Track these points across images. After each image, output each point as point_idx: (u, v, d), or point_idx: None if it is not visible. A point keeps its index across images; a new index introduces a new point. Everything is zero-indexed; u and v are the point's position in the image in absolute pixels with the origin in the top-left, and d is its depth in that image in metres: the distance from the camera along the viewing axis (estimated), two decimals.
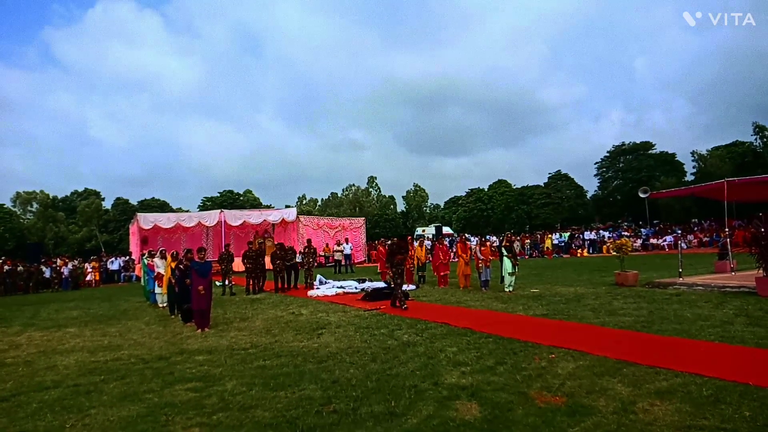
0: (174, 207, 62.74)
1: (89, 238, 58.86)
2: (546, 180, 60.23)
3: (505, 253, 12.89)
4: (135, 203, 62.30)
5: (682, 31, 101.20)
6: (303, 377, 5.43)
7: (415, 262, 16.33)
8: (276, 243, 19.46)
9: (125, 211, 59.13)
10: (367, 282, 15.74)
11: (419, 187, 75.44)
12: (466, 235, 19.96)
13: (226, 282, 15.60)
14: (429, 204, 76.26)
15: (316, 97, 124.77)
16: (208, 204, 61.88)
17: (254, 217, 29.34)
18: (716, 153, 46.05)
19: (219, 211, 28.64)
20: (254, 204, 62.86)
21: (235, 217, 28.30)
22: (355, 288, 14.71)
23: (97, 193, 63.76)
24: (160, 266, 12.92)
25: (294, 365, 6.01)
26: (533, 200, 57.90)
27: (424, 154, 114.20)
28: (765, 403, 3.92)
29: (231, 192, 66.46)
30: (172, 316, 11.18)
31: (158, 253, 13.73)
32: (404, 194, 75.48)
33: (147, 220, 26.77)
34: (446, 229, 50.56)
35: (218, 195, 65.30)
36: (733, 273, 13.51)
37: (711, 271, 14.93)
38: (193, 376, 5.80)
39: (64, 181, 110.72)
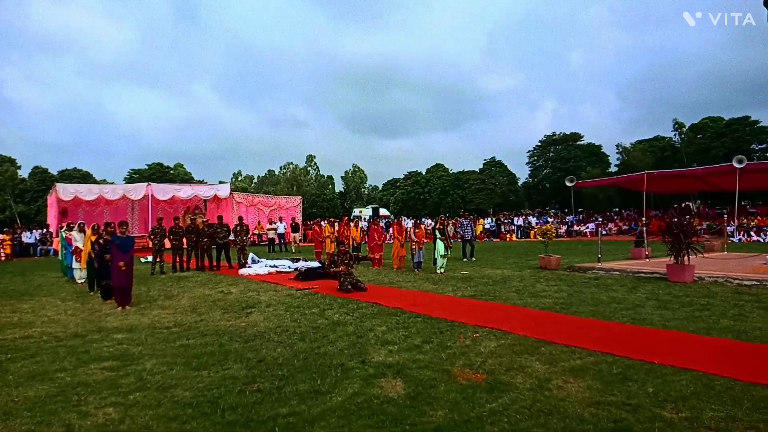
0: (98, 179, 59.13)
1: (2, 209, 54.46)
2: (481, 166, 61.86)
3: (438, 235, 13.14)
4: (55, 173, 58.03)
5: (614, 27, 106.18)
6: (227, 356, 5.31)
7: (350, 242, 16.39)
8: (206, 220, 18.79)
9: (44, 180, 54.96)
10: (301, 261, 15.60)
11: (358, 167, 75.35)
12: (402, 217, 20.16)
13: (158, 259, 14.77)
14: (367, 185, 76.36)
15: (257, 71, 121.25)
16: (135, 177, 58.73)
17: (184, 191, 28.11)
18: (639, 146, 48.88)
19: (146, 184, 27.21)
20: (185, 179, 60.27)
21: (164, 191, 27.00)
22: (289, 267, 14.54)
23: (12, 160, 58.71)
24: (79, 240, 12.17)
25: (219, 344, 5.86)
26: (468, 185, 59.32)
27: (365, 134, 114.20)
28: (667, 380, 4.24)
29: (160, 165, 63.39)
30: (91, 293, 10.59)
31: (77, 226, 12.90)
32: (343, 174, 75.21)
33: (67, 191, 25.03)
34: (383, 211, 50.98)
35: (146, 168, 62.10)
36: (647, 259, 14.49)
37: (628, 257, 15.94)
38: (110, 354, 5.54)
39: None
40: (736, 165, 21.50)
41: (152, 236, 15.01)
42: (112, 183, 49.51)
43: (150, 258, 15.43)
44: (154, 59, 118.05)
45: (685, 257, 10.47)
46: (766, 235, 27.15)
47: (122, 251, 8.85)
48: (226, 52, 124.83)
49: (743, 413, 3.49)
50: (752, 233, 28.16)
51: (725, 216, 23.91)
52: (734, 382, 4.13)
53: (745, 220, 29.72)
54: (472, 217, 25.19)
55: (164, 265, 14.82)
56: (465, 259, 17.00)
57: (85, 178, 56.36)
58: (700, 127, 44.53)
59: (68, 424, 3.64)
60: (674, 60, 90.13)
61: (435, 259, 13.28)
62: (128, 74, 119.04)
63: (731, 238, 25.82)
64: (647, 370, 4.52)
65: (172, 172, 63.42)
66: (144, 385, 4.44)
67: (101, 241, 9.90)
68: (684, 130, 46.39)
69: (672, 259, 10.70)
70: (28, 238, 27.33)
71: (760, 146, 41.23)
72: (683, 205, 40.02)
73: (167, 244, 15.19)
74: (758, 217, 30.02)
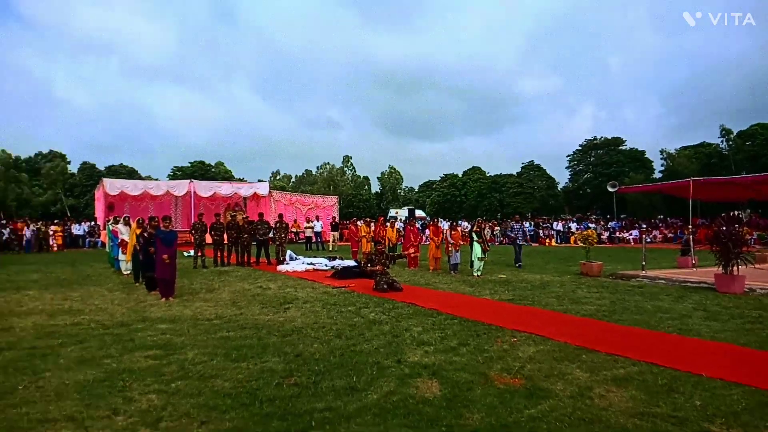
0: (143, 175, 61.23)
1: (54, 202, 57.02)
2: (519, 170, 60.92)
3: (475, 238, 13.01)
4: (102, 169, 60.48)
5: (654, 32, 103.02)
6: (266, 350, 5.40)
7: (386, 242, 16.40)
8: (246, 216, 19.15)
9: (92, 176, 57.36)
10: (337, 260, 15.72)
11: (394, 169, 75.39)
12: (439, 219, 20.00)
13: (199, 253, 15.20)
14: (403, 186, 76.36)
15: (293, 73, 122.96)
16: (178, 174, 60.54)
17: (225, 188, 28.82)
18: (684, 153, 47.22)
19: (189, 180, 28.02)
20: (226, 177, 61.72)
21: (206, 188, 27.75)
22: (325, 265, 14.68)
23: (62, 156, 61.49)
24: (124, 233, 12.63)
25: (258, 338, 5.97)
26: (506, 188, 58.53)
27: (400, 136, 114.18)
28: (715, 394, 4.05)
29: (202, 163, 65.15)
30: (136, 284, 10.96)
31: (122, 220, 13.39)
32: (379, 175, 75.41)
33: (114, 186, 26.03)
34: (419, 212, 50.85)
35: (189, 165, 63.92)
36: (694, 269, 13.94)
37: (673, 265, 15.37)
38: (153, 343, 5.71)
39: (26, 143, 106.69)
40: None
41: (193, 231, 15.44)
42: (156, 179, 51.12)
43: (192, 252, 15.86)
44: (193, 60, 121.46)
45: (735, 267, 10.01)
46: None
47: (166, 245, 9.12)
48: (262, 54, 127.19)
49: None
50: None
51: None
52: None
53: None
54: (522, 221, 23.81)
55: (206, 259, 15.22)
56: (518, 265, 15.37)
57: (130, 174, 58.46)
58: (750, 133, 42.67)
59: (114, 408, 3.77)
60: (717, 65, 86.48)
61: (472, 262, 13.15)
62: (169, 75, 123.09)
63: None
64: (695, 383, 4.33)
65: (213, 170, 65.07)
66: (186, 374, 4.56)
67: (146, 234, 10.23)
68: (732, 136, 44.58)
69: (720, 268, 10.26)
70: (77, 230, 28.55)
71: None
72: (732, 213, 38.41)
73: (208, 239, 15.59)
74: None
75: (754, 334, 6.30)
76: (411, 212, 45.35)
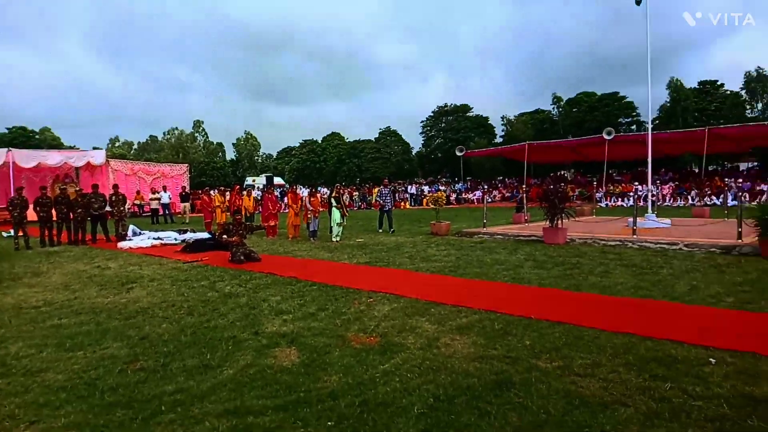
0: None
1: None
2: (377, 135, 62.30)
3: (334, 204, 13.13)
4: None
5: (501, 3, 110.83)
6: (106, 335, 4.93)
7: (243, 212, 15.82)
8: (79, 189, 17.05)
9: None
10: (188, 233, 14.82)
11: (251, 135, 72.36)
12: (297, 186, 19.80)
13: (20, 233, 13.18)
14: (261, 153, 73.81)
15: (134, 29, 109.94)
16: None
17: (52, 158, 25.29)
18: (521, 119, 51.92)
19: (6, 150, 24.05)
20: (53, 145, 54.10)
21: (28, 158, 24.04)
22: (175, 239, 13.76)
23: None
24: None
25: (96, 323, 5.42)
26: (364, 154, 59.58)
27: (257, 100, 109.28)
28: (543, 334, 4.61)
29: (24, 129, 56.25)
30: None
31: None
32: (234, 142, 71.91)
33: None
34: (278, 180, 49.82)
35: (6, 131, 54.82)
36: (527, 224, 15.62)
37: (510, 222, 17.06)
38: None
39: None
40: (605, 137, 23.67)
41: (11, 208, 13.37)
42: None
43: (12, 232, 13.78)
44: (4, 7, 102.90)
45: (559, 221, 11.42)
46: (628, 200, 30.42)
47: None
48: (95, 5, 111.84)
49: (607, 359, 3.91)
50: (617, 199, 31.39)
51: (594, 183, 26.39)
52: (600, 332, 4.60)
53: (611, 187, 33.00)
54: (392, 185, 23.48)
55: (29, 239, 13.32)
56: (381, 230, 15.39)
57: None
58: (576, 101, 48.13)
59: None
60: (554, 37, 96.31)
61: (331, 228, 13.27)
62: None
63: (599, 204, 28.64)
64: (525, 325, 4.89)
65: (37, 137, 56.65)
66: (8, 371, 4.00)
67: None
68: (562, 103, 49.98)
69: (548, 222, 11.62)
70: None
71: (626, 120, 45.67)
72: (559, 174, 43.63)
73: (32, 215, 13.62)
74: (623, 184, 33.44)
75: (573, 278, 7.28)
76: (269, 180, 44.23)
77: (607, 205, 30.44)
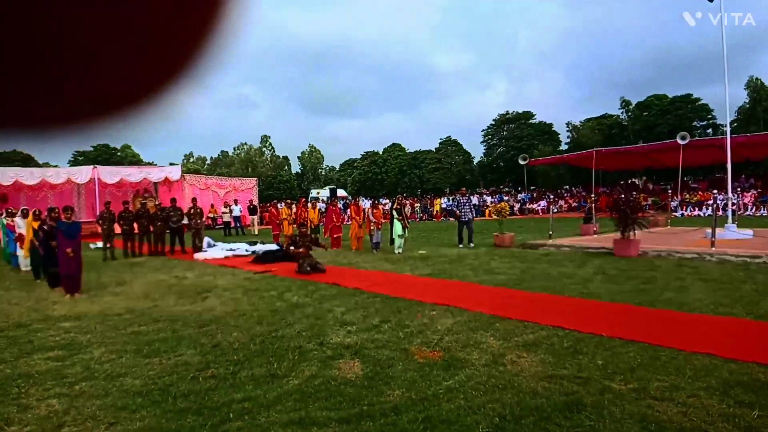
0: (40, 162, 56.06)
1: None
2: (437, 145, 62.20)
3: (395, 215, 13.20)
4: None
5: (559, 6, 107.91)
6: (181, 342, 5.19)
7: (308, 224, 16.22)
8: (158, 203, 18.15)
9: None
10: (258, 244, 15.37)
11: (315, 148, 74.28)
12: (360, 198, 20.06)
13: (107, 245, 14.22)
14: (324, 166, 75.54)
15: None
16: (79, 159, 55.89)
17: (133, 174, 27.11)
18: (588, 124, 50.19)
19: (92, 166, 26.03)
20: (133, 161, 57.91)
21: (111, 174, 25.91)
22: (246, 250, 14.30)
23: None
24: (21, 226, 11.56)
25: (172, 330, 5.72)
26: (425, 165, 59.60)
27: (318, 114, 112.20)
28: (615, 353, 4.40)
29: (106, 146, 60.65)
30: (37, 281, 10.11)
31: (20, 212, 12.24)
32: (299, 155, 74.06)
33: (6, 175, 23.68)
34: (341, 192, 50.73)
35: (91, 149, 59.32)
36: (595, 235, 15.02)
37: (577, 233, 16.47)
38: (56, 344, 5.31)
39: None
40: (680, 141, 22.42)
41: (101, 221, 14.44)
42: (55, 166, 47.07)
43: (100, 244, 14.85)
44: None
45: (631, 232, 10.89)
46: (706, 209, 28.60)
47: (68, 237, 8.44)
48: None
49: (686, 382, 3.67)
50: (694, 208, 29.60)
51: (669, 191, 25.00)
52: (678, 352, 4.33)
53: (687, 196, 31.17)
54: (469, 193, 21.81)
55: (115, 251, 14.31)
56: (462, 246, 14.05)
57: (25, 160, 53.14)
58: (646, 104, 46.00)
59: (7, 417, 3.47)
60: (618, 38, 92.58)
61: (392, 239, 13.34)
62: None
63: (675, 213, 27.09)
64: (596, 343, 4.68)
65: (119, 154, 60.90)
66: (91, 375, 4.29)
67: (45, 227, 9.42)
68: (631, 107, 47.89)
69: (619, 234, 11.11)
70: None
71: (701, 123, 43.11)
72: (629, 181, 41.68)
73: (117, 229, 14.64)
74: (699, 192, 31.53)
75: (647, 293, 6.91)
76: (333, 192, 45.20)
77: (682, 214, 28.75)
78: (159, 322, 6.16)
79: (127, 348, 5.07)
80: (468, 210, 14.43)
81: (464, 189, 17.26)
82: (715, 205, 13.26)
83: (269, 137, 72.43)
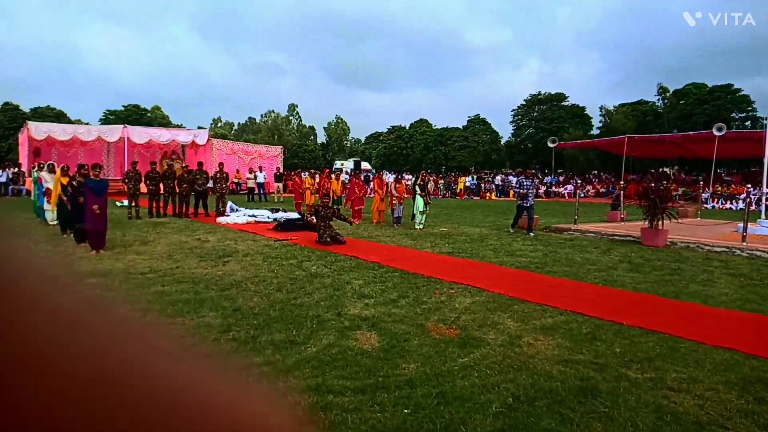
0: (72, 119, 57.10)
1: None
2: (465, 123, 61.38)
3: (418, 191, 13.14)
4: (27, 110, 55.72)
5: None
6: (203, 304, 5.30)
7: (331, 195, 16.28)
8: (185, 165, 18.40)
9: (15, 117, 52.63)
10: (280, 212, 15.50)
11: (341, 119, 74.00)
12: (384, 172, 19.99)
13: (133, 203, 14.51)
14: (350, 138, 75.36)
15: (234, 14, 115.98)
16: (110, 118, 56.82)
17: (162, 135, 27.47)
18: (622, 110, 48.80)
19: (122, 126, 26.44)
20: (163, 122, 58.55)
21: (141, 134, 26.32)
22: (268, 217, 14.44)
23: None
24: (49, 181, 11.83)
25: (195, 292, 5.84)
26: (451, 142, 59.00)
27: (347, 86, 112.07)
28: (634, 341, 4.36)
29: (137, 107, 61.36)
30: (64, 236, 10.40)
31: (46, 167, 12.51)
32: (326, 125, 73.91)
33: (39, 129, 24.27)
34: (365, 165, 50.60)
35: (122, 109, 60.10)
36: (622, 223, 14.74)
37: (604, 219, 16.18)
38: None
39: None
40: (716, 133, 21.66)
41: (127, 180, 14.70)
42: (87, 123, 47.85)
43: (126, 202, 15.16)
44: None
45: (660, 222, 10.66)
46: (738, 203, 27.81)
47: (96, 194, 8.63)
48: None
49: (704, 375, 3.63)
50: (726, 201, 28.80)
51: (701, 183, 24.30)
52: (698, 345, 4.27)
53: (719, 188, 30.32)
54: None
55: (140, 209, 14.60)
56: (513, 231, 12.64)
57: (59, 117, 54.24)
58: (684, 92, 44.52)
59: None
60: (659, 22, 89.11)
61: (414, 215, 13.32)
62: (99, 9, 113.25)
63: (705, 205, 26.38)
64: (616, 331, 4.64)
65: (149, 114, 61.58)
66: None
67: (74, 183, 9.63)
68: (668, 95, 46.38)
69: (647, 223, 10.88)
70: None
71: (740, 115, 41.60)
72: (660, 170, 40.65)
73: (143, 188, 14.91)
74: (732, 185, 30.62)
75: (672, 285, 6.79)
76: (357, 164, 45.07)
77: (713, 207, 28.00)
78: (182, 283, 6.30)
79: (151, 307, 5.22)
80: (531, 193, 12.42)
81: (528, 171, 16.36)
82: (748, 199, 12.83)
83: (297, 106, 72.42)
